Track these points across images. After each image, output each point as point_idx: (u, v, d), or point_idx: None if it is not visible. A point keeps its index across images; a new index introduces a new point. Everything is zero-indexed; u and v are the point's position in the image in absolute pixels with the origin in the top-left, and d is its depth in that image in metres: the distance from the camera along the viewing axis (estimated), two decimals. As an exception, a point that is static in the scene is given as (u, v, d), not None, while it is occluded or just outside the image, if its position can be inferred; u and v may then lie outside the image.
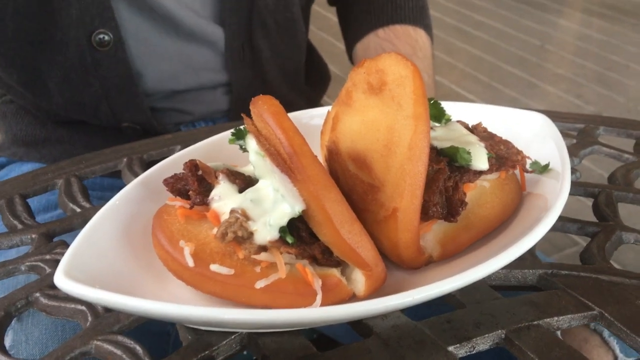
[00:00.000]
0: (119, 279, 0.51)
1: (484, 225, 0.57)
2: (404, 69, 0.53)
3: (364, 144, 0.56)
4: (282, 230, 0.49)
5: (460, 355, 0.49)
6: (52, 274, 0.57)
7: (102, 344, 0.50)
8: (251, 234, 0.49)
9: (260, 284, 0.49)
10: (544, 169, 0.62)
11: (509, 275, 0.58)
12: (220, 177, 0.53)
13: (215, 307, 0.50)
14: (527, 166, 0.62)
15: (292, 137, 0.48)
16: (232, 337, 0.50)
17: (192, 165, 0.54)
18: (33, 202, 0.90)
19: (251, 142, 0.53)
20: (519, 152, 0.60)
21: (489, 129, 0.63)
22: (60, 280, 0.47)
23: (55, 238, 0.65)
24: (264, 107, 0.50)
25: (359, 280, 0.51)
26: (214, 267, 0.49)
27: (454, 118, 0.63)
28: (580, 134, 0.85)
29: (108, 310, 0.53)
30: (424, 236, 0.55)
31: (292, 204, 0.49)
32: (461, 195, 0.55)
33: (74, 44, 0.93)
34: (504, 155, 0.59)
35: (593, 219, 0.68)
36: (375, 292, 0.51)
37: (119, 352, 0.49)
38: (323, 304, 0.49)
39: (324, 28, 3.53)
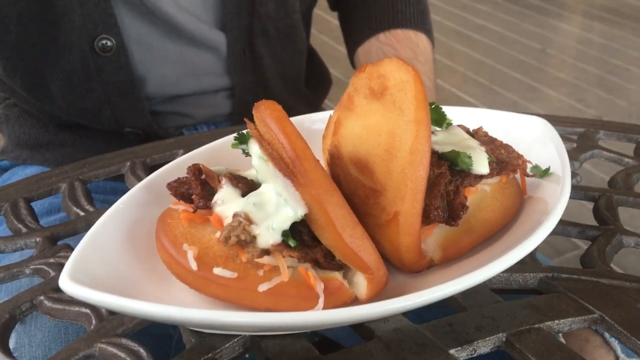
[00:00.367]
0: (123, 282, 0.51)
1: (485, 229, 0.57)
2: (405, 73, 0.54)
3: (365, 148, 0.57)
4: (284, 234, 0.49)
5: (461, 359, 0.49)
6: (56, 277, 0.57)
7: (106, 346, 0.50)
8: (254, 237, 0.49)
9: (263, 287, 0.49)
10: (544, 173, 0.62)
11: (510, 278, 0.58)
12: (223, 181, 0.54)
13: (218, 310, 0.50)
14: (528, 170, 0.62)
15: (295, 141, 0.49)
16: (235, 339, 0.50)
17: (196, 170, 0.55)
18: (36, 205, 0.91)
19: (254, 147, 0.53)
20: (520, 156, 0.61)
21: (490, 134, 0.64)
22: (65, 283, 0.47)
23: (59, 241, 0.65)
24: (266, 112, 0.50)
25: (361, 284, 0.52)
26: (217, 271, 0.50)
27: (454, 122, 0.64)
28: (580, 138, 0.85)
29: (112, 313, 0.54)
30: (425, 240, 0.56)
31: (294, 207, 0.49)
32: (462, 199, 0.55)
33: (76, 49, 0.94)
34: (504, 159, 0.60)
35: (594, 222, 0.68)
36: (377, 295, 0.52)
37: (122, 354, 0.50)
38: (325, 307, 0.50)
39: (325, 32, 3.54)
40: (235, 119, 1.08)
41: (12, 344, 0.74)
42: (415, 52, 1.11)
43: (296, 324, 0.47)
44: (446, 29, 4.16)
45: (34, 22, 0.92)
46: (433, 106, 0.61)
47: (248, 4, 1.00)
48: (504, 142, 0.63)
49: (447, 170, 0.56)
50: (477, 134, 0.63)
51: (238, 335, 0.50)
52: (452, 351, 0.49)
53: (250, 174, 0.56)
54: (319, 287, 0.50)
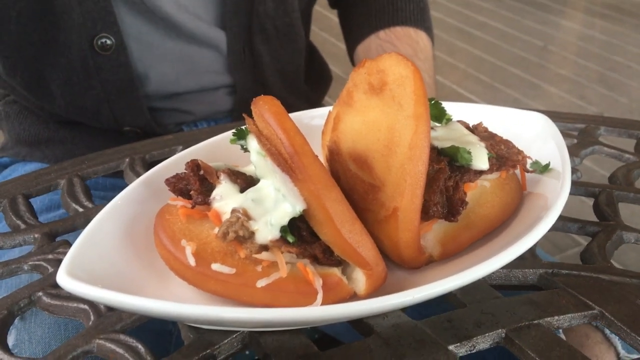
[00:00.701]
0: (121, 278, 0.51)
1: (485, 224, 0.57)
2: (405, 69, 0.54)
3: (364, 144, 0.56)
4: (283, 229, 0.49)
5: (460, 354, 0.49)
6: (54, 273, 0.57)
7: (104, 342, 0.50)
8: (252, 233, 0.49)
9: (261, 283, 0.49)
10: (544, 168, 0.62)
11: (510, 274, 0.58)
12: (222, 177, 0.54)
13: (216, 305, 0.50)
14: (528, 166, 0.62)
15: (293, 137, 0.49)
16: (234, 335, 0.50)
17: (194, 165, 0.54)
18: (36, 201, 0.91)
19: (252, 142, 0.53)
20: (520, 152, 0.61)
21: (490, 129, 0.63)
22: (63, 279, 0.47)
23: (57, 238, 0.65)
24: (265, 107, 0.50)
25: (360, 280, 0.51)
26: (216, 266, 0.50)
27: (454, 118, 0.63)
28: (581, 134, 0.85)
29: (110, 309, 0.54)
30: (425, 236, 0.55)
31: (293, 203, 0.49)
32: (462, 194, 0.55)
33: (76, 48, 0.94)
34: (504, 155, 0.59)
35: (594, 219, 0.68)
36: (376, 291, 0.52)
37: (121, 350, 0.49)
38: (324, 303, 0.50)
39: (325, 29, 3.53)
40: (236, 115, 1.08)
41: (11, 340, 0.74)
42: (415, 50, 1.11)
43: (295, 319, 0.47)
44: (447, 26, 4.15)
45: (34, 20, 0.92)
46: (433, 102, 0.61)
47: (247, 2, 1.00)
48: (504, 137, 0.62)
49: (447, 166, 0.55)
50: (477, 130, 0.63)
51: (237, 331, 0.50)
52: (451, 347, 0.49)
53: (249, 169, 0.56)
54: (318, 283, 0.50)
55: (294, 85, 1.13)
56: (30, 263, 0.60)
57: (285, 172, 0.49)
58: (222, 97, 1.07)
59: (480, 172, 0.57)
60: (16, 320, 0.74)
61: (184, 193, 0.55)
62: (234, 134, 0.57)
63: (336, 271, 0.51)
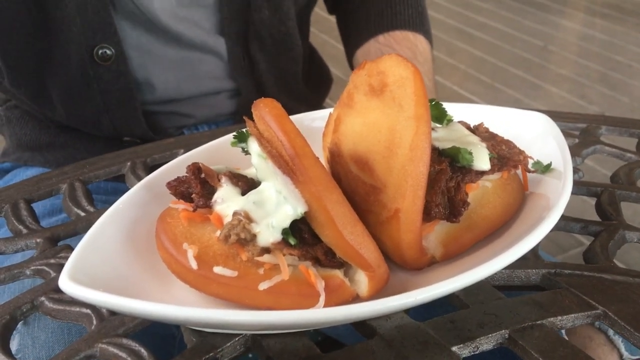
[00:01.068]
0: (123, 281, 0.51)
1: (487, 225, 0.57)
2: (405, 70, 0.54)
3: (365, 145, 0.56)
4: (284, 232, 0.49)
5: (463, 356, 0.49)
6: (56, 278, 0.57)
7: (107, 346, 0.50)
8: (254, 236, 0.49)
9: (263, 286, 0.49)
10: (546, 168, 0.62)
11: (512, 275, 0.58)
12: (223, 179, 0.54)
13: (219, 309, 0.50)
14: (529, 166, 0.62)
15: (294, 139, 0.49)
16: (236, 338, 0.50)
17: (195, 168, 0.54)
18: (38, 206, 0.91)
19: (253, 145, 0.53)
20: (521, 152, 0.60)
21: (491, 130, 0.63)
22: (65, 283, 0.47)
23: (59, 242, 0.65)
24: (265, 110, 0.50)
25: (362, 281, 0.51)
26: (218, 269, 0.49)
27: (455, 119, 0.63)
28: (582, 133, 0.85)
29: (113, 313, 0.53)
30: (427, 237, 0.55)
31: (294, 205, 0.49)
32: (463, 195, 0.55)
33: (76, 58, 0.94)
34: (505, 155, 0.59)
35: (596, 218, 0.68)
36: (378, 293, 0.52)
37: (123, 354, 0.49)
38: (326, 305, 0.50)
39: (325, 31, 3.54)
40: (238, 118, 1.09)
41: (15, 345, 0.74)
42: (414, 53, 1.12)
43: (297, 322, 0.47)
44: (448, 27, 4.16)
45: (35, 31, 0.93)
46: (433, 102, 0.61)
47: (244, 10, 1.01)
48: (505, 138, 0.62)
49: (448, 167, 0.55)
50: (478, 130, 0.62)
51: (239, 334, 0.50)
52: (454, 348, 0.49)
53: (250, 172, 0.56)
54: (320, 285, 0.50)
55: (293, 89, 1.14)
56: (32, 268, 0.60)
57: (286, 174, 0.49)
58: (223, 100, 1.08)
59: (482, 173, 0.57)
60: (19, 325, 0.75)
61: (185, 196, 0.55)
62: (235, 137, 0.57)
63: (338, 273, 0.51)
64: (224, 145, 0.64)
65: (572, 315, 0.52)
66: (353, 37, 1.18)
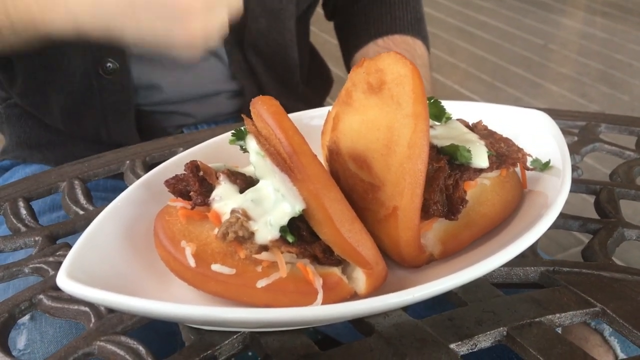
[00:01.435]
0: (122, 279, 0.51)
1: (485, 223, 0.57)
2: (403, 67, 0.54)
3: (364, 143, 0.56)
4: (282, 229, 0.49)
5: (461, 353, 0.49)
6: (55, 276, 0.57)
7: (105, 344, 0.50)
8: (252, 233, 0.49)
9: (261, 284, 0.49)
10: (544, 166, 0.62)
11: (511, 272, 0.58)
12: (221, 177, 0.54)
13: (216, 306, 0.50)
14: (528, 164, 0.62)
15: (292, 136, 0.49)
16: (235, 336, 0.50)
17: (193, 166, 0.54)
18: (38, 202, 0.91)
19: (251, 143, 0.53)
20: (520, 150, 0.60)
21: (490, 127, 0.63)
22: (63, 281, 0.47)
23: (58, 240, 0.65)
24: (263, 108, 0.50)
25: (360, 279, 0.51)
26: (216, 267, 0.49)
27: (454, 117, 0.63)
28: (581, 131, 0.85)
29: (111, 311, 0.54)
30: (425, 234, 0.55)
31: (292, 203, 0.49)
32: (461, 193, 0.55)
33: (80, 72, 0.96)
34: (504, 153, 0.59)
35: (596, 216, 0.68)
36: (376, 290, 0.52)
37: (122, 352, 0.49)
38: (324, 303, 0.50)
39: (325, 30, 3.53)
40: (238, 118, 1.10)
41: (23, 340, 0.74)
42: (412, 56, 1.13)
43: (295, 319, 0.47)
44: (448, 26, 4.15)
45: (42, 46, 0.94)
46: (432, 100, 0.61)
47: (240, 20, 1.01)
48: (504, 135, 0.62)
49: (446, 164, 0.55)
50: (477, 128, 0.62)
51: (237, 332, 0.50)
52: (452, 346, 0.49)
53: (249, 170, 0.56)
54: (318, 283, 0.50)
55: (293, 90, 1.14)
56: (31, 266, 0.60)
57: (284, 172, 0.49)
58: (223, 100, 1.09)
59: (480, 171, 0.57)
60: (27, 321, 0.75)
61: (183, 194, 0.55)
62: (233, 135, 0.57)
63: (336, 271, 0.51)
64: (223, 143, 0.64)
65: (571, 312, 0.52)
66: (352, 40, 1.18)
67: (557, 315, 0.52)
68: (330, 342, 0.84)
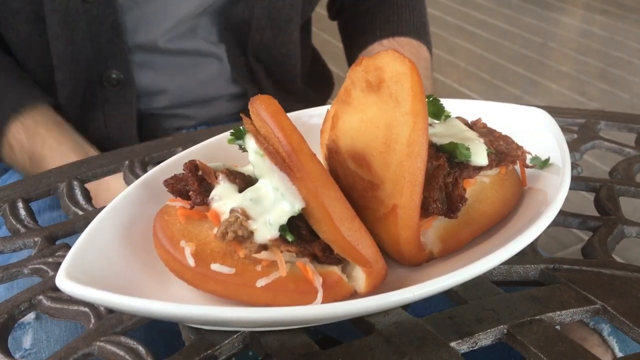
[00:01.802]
0: (121, 279, 0.51)
1: (485, 220, 0.57)
2: (402, 65, 0.53)
3: (363, 141, 0.56)
4: (282, 228, 0.49)
5: (462, 351, 0.49)
6: (54, 277, 0.57)
7: (104, 344, 0.50)
8: (251, 233, 0.49)
9: (261, 283, 0.49)
10: (544, 163, 0.62)
11: (511, 270, 0.58)
12: (220, 177, 0.53)
13: (216, 306, 0.50)
14: (528, 161, 0.61)
15: (290, 135, 0.48)
16: (235, 336, 0.50)
17: (192, 166, 0.54)
18: (37, 202, 0.91)
19: (250, 142, 0.53)
20: (519, 148, 0.60)
21: (489, 125, 0.63)
22: (62, 281, 0.47)
23: (58, 241, 0.65)
24: (261, 107, 0.50)
25: (360, 278, 0.51)
26: (215, 267, 0.49)
27: (453, 115, 0.63)
28: (581, 128, 0.85)
29: (110, 311, 0.53)
30: (425, 232, 0.55)
31: (291, 202, 0.49)
32: (461, 191, 0.55)
33: (83, 84, 0.97)
34: (503, 150, 0.59)
35: (595, 213, 0.68)
36: (376, 289, 0.51)
37: (121, 352, 0.49)
38: (324, 302, 0.49)
39: (325, 29, 3.53)
40: (238, 119, 1.10)
41: (29, 340, 0.75)
42: (417, 58, 1.13)
43: (295, 318, 0.47)
44: (447, 24, 4.15)
45: (48, 57, 0.95)
46: (431, 99, 0.61)
47: (243, 31, 1.03)
48: (503, 133, 0.62)
49: (446, 162, 0.55)
50: (476, 126, 0.62)
51: (237, 332, 0.50)
52: (452, 344, 0.49)
53: (248, 169, 0.56)
54: (318, 282, 0.49)
55: (294, 95, 1.15)
56: (30, 267, 0.60)
57: (283, 171, 0.49)
58: (224, 103, 1.10)
59: (480, 168, 0.57)
60: (32, 320, 0.76)
61: (182, 194, 0.55)
62: (232, 134, 0.57)
63: (336, 269, 0.51)
64: (222, 142, 0.64)
65: (571, 310, 0.52)
66: (357, 40, 1.19)
67: (558, 312, 0.52)
68: (330, 341, 0.84)
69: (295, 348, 0.49)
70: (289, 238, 0.49)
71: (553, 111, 0.70)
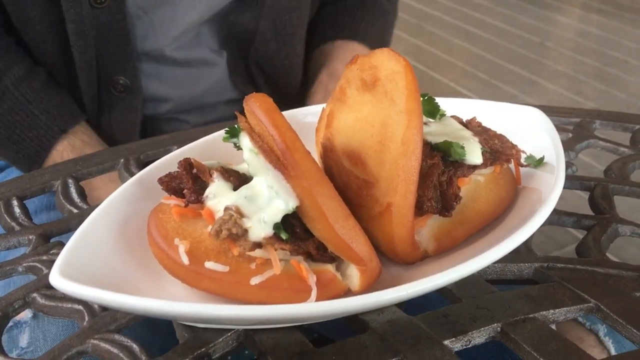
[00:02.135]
0: (115, 277, 0.51)
1: (479, 219, 0.57)
2: (396, 64, 0.54)
3: (358, 140, 0.56)
4: (276, 226, 0.49)
5: (456, 349, 0.49)
6: (49, 274, 0.57)
7: (99, 342, 0.50)
8: (245, 231, 0.49)
9: (255, 281, 0.49)
10: (538, 162, 0.62)
11: (505, 269, 0.58)
12: (215, 175, 0.53)
13: (210, 304, 0.50)
14: (522, 160, 0.62)
15: (285, 133, 0.48)
16: (229, 334, 0.50)
17: (187, 164, 0.54)
18: (34, 202, 0.91)
19: (245, 140, 0.53)
20: (514, 146, 0.60)
21: (484, 124, 0.63)
22: (56, 279, 0.47)
23: (52, 239, 0.65)
24: (256, 105, 0.50)
25: (354, 276, 0.51)
26: (209, 265, 0.49)
27: (448, 113, 0.63)
28: (576, 128, 0.85)
29: (104, 309, 0.53)
30: (419, 231, 0.55)
31: (286, 200, 0.49)
32: (455, 189, 0.55)
33: (92, 89, 0.97)
34: (498, 149, 0.59)
35: (590, 212, 0.68)
36: (370, 287, 0.52)
37: (115, 350, 0.49)
38: (318, 300, 0.49)
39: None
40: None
41: (26, 339, 0.75)
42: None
43: (289, 316, 0.47)
44: (445, 24, 4.15)
45: (57, 62, 0.96)
46: (426, 97, 0.61)
47: (245, 41, 1.02)
48: (498, 132, 0.62)
49: (440, 161, 0.55)
50: (471, 125, 0.62)
51: (231, 330, 0.50)
52: (446, 342, 0.49)
53: (242, 167, 0.56)
54: (312, 280, 0.49)
55: (293, 100, 1.15)
56: (24, 264, 0.60)
57: (277, 169, 0.49)
58: (222, 108, 1.11)
59: (474, 167, 0.57)
60: (29, 319, 0.76)
61: (177, 192, 0.55)
62: (227, 132, 0.57)
63: (330, 268, 0.51)
64: (217, 140, 0.64)
65: (565, 308, 0.52)
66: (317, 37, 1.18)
67: (551, 311, 0.52)
68: (324, 339, 0.84)
69: (290, 346, 0.49)
70: (283, 236, 0.49)
71: (548, 110, 0.70)
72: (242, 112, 1.11)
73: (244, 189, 0.51)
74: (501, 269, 0.58)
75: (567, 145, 0.78)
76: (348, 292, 0.52)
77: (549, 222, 0.57)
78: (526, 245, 0.60)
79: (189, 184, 0.53)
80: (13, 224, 0.66)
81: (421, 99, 0.56)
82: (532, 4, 4.47)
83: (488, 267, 0.56)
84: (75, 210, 0.68)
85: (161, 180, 0.55)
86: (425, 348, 0.48)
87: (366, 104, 0.57)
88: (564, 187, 0.57)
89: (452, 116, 0.63)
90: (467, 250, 0.56)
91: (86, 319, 0.53)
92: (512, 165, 0.62)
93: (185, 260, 0.50)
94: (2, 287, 0.79)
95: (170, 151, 0.78)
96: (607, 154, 0.82)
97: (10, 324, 0.73)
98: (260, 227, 0.49)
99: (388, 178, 0.52)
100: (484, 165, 0.57)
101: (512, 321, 0.51)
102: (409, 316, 0.51)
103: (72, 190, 0.71)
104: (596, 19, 4.25)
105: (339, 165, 0.58)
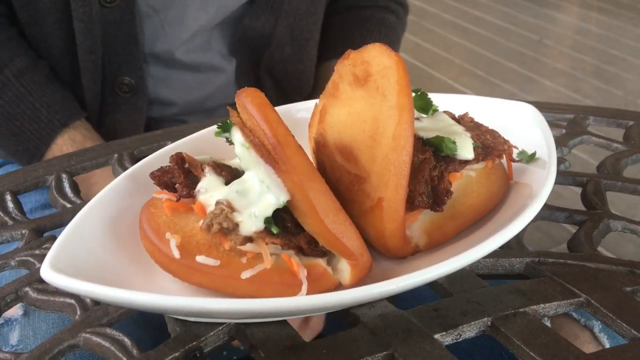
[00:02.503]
0: (106, 271, 0.51)
1: (471, 214, 0.57)
2: (388, 59, 0.54)
3: (350, 135, 0.56)
4: (267, 221, 0.49)
5: (446, 343, 0.49)
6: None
7: (90, 336, 0.50)
8: (236, 225, 0.49)
9: (246, 275, 0.49)
10: (530, 158, 0.62)
11: (497, 263, 0.58)
12: (207, 169, 0.53)
13: (201, 297, 0.50)
14: (514, 155, 0.62)
15: (276, 127, 0.49)
16: (220, 327, 0.50)
17: (179, 158, 0.54)
18: (31, 201, 0.91)
19: (236, 135, 0.53)
20: (506, 142, 0.61)
21: (477, 120, 0.63)
22: (47, 273, 0.47)
23: (45, 233, 0.65)
24: (247, 99, 0.50)
25: (345, 270, 0.51)
26: (200, 259, 0.49)
27: (441, 109, 0.63)
28: (569, 124, 0.85)
29: (96, 303, 0.54)
30: (410, 226, 0.55)
31: (277, 194, 0.49)
32: (447, 184, 0.55)
33: (97, 89, 0.97)
34: (490, 144, 0.59)
35: (583, 208, 0.68)
36: (361, 281, 0.52)
37: (107, 344, 0.50)
38: (309, 294, 0.50)
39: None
40: None
41: (16, 336, 0.75)
42: None
43: (280, 310, 0.47)
44: (443, 21, 4.15)
45: (62, 61, 0.96)
46: (419, 93, 0.61)
47: (259, 45, 1.02)
48: (491, 127, 0.62)
49: (432, 156, 0.55)
50: (463, 120, 0.63)
51: (223, 324, 0.50)
52: (437, 336, 0.49)
53: (234, 162, 0.56)
54: (302, 274, 0.50)
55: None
56: (17, 259, 0.60)
57: (268, 164, 0.49)
58: (225, 111, 1.10)
59: (466, 162, 0.57)
60: (20, 317, 0.75)
61: (169, 186, 0.55)
62: (219, 127, 0.57)
63: (321, 262, 0.51)
64: (209, 135, 0.64)
65: (555, 303, 0.53)
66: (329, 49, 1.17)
67: (542, 305, 0.52)
68: (318, 336, 0.84)
69: (281, 340, 0.49)
70: (274, 230, 0.49)
71: (542, 107, 0.70)
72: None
73: (235, 184, 0.52)
74: (492, 264, 0.58)
75: (561, 141, 0.78)
76: (339, 287, 0.52)
77: (541, 217, 0.57)
78: (518, 240, 0.61)
79: (181, 178, 0.53)
80: (6, 218, 0.66)
81: (414, 94, 0.56)
82: (531, 1, 4.47)
83: (479, 261, 0.57)
84: (68, 205, 0.68)
85: (153, 175, 0.55)
86: (416, 342, 0.48)
87: (358, 99, 0.57)
88: (557, 183, 0.57)
89: (444, 111, 0.63)
90: (458, 244, 0.56)
91: (78, 313, 0.53)
92: (504, 161, 0.62)
93: (176, 254, 0.50)
94: (1, 281, 0.80)
95: (164, 146, 0.78)
96: (600, 150, 0.82)
97: (1, 321, 0.73)
98: (251, 221, 0.49)
99: (379, 173, 0.53)
100: (476, 160, 0.57)
101: (503, 315, 0.51)
102: (400, 310, 0.51)
103: (66, 185, 0.71)
104: (595, 17, 4.25)
105: (331, 161, 0.58)
